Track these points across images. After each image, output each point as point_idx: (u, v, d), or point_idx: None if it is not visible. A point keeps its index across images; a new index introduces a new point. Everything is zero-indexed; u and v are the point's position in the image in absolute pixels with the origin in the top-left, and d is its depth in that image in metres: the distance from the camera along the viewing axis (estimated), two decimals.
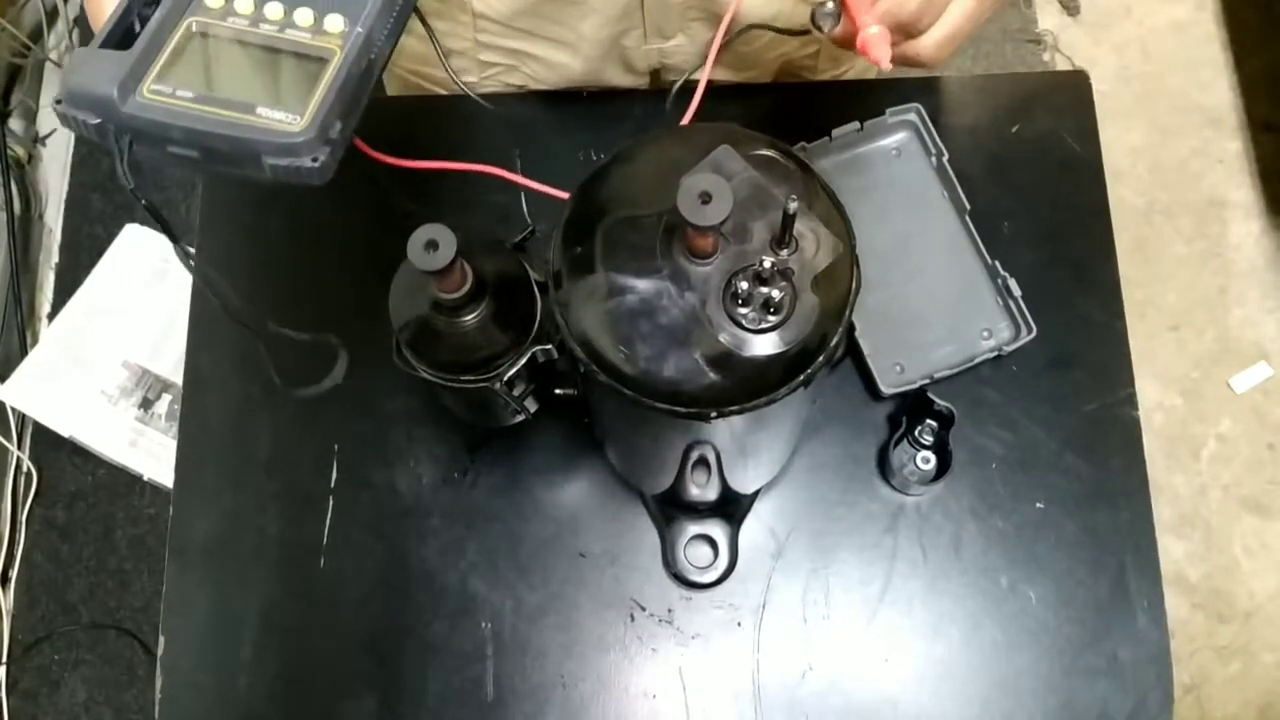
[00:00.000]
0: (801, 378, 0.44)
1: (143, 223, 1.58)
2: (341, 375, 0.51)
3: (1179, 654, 1.45)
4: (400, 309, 0.56)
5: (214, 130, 0.38)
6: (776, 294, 0.43)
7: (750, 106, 0.80)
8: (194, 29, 0.40)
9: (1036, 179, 0.78)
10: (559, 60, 0.78)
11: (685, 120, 0.51)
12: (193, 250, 0.45)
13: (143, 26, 0.40)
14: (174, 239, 0.42)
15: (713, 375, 0.44)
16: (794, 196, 0.41)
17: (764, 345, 0.44)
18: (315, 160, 0.38)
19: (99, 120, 0.39)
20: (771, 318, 0.44)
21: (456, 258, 0.48)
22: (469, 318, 0.54)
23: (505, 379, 0.56)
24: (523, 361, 0.55)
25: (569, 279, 0.46)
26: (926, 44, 0.51)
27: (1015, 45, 1.77)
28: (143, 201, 0.39)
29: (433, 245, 0.47)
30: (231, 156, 0.39)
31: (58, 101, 0.40)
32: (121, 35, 0.40)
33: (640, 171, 0.49)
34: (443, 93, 0.86)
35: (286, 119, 0.38)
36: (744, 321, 0.44)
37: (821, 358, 0.45)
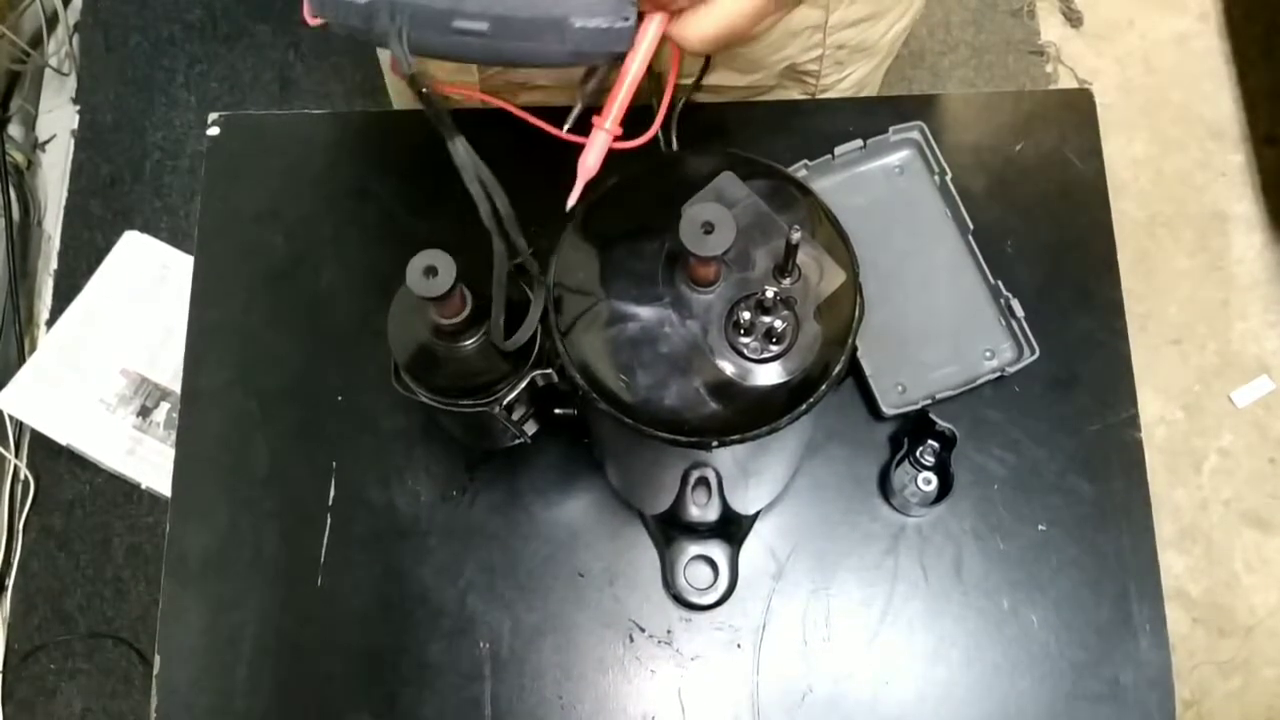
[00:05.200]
0: (804, 407, 0.44)
1: (142, 230, 1.58)
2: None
3: (1179, 669, 1.45)
4: (399, 333, 0.55)
5: None
6: (779, 323, 0.43)
7: (753, 124, 0.79)
8: None
9: (1040, 198, 0.77)
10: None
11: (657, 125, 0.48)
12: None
13: None
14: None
15: (714, 404, 0.44)
16: (797, 226, 0.41)
17: (766, 375, 0.44)
18: (626, 19, 0.34)
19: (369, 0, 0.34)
20: (774, 347, 0.43)
21: (456, 283, 0.47)
22: (468, 343, 0.53)
23: (505, 403, 0.55)
24: (522, 386, 0.55)
25: (569, 305, 0.46)
26: (690, 32, 0.42)
27: (1017, 56, 1.76)
28: (423, 90, 0.34)
29: (432, 271, 0.47)
30: (528, 24, 0.34)
31: None
32: None
33: (642, 197, 0.48)
34: (444, 91, 0.85)
35: None
36: (746, 351, 0.43)
37: (824, 386, 0.44)
